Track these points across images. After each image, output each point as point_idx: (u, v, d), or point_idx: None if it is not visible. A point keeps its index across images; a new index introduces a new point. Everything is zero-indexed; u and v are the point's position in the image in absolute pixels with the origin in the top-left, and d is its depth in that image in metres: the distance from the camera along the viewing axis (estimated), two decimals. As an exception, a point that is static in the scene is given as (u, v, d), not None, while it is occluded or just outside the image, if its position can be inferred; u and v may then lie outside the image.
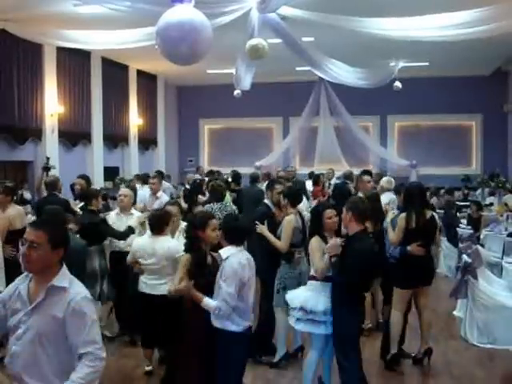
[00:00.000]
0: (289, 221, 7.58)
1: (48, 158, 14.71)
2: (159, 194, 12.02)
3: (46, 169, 13.99)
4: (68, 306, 3.61)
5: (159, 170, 16.39)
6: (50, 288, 3.65)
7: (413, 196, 7.57)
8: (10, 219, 8.55)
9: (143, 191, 12.61)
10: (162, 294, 6.61)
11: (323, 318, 6.05)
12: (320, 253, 6.20)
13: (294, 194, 8.02)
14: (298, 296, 6.35)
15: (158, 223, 7.18)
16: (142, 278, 7.27)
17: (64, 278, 3.72)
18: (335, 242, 5.98)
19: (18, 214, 8.73)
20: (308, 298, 6.20)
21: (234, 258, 5.48)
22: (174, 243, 7.14)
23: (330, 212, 6.40)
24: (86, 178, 12.04)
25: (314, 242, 6.39)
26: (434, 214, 7.80)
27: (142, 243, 7.34)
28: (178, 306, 6.17)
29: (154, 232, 7.17)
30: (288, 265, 7.52)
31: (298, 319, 6.24)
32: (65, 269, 3.78)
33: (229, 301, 5.38)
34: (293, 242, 7.52)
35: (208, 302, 5.53)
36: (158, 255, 7.06)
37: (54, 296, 3.66)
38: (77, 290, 3.71)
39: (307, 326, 6.20)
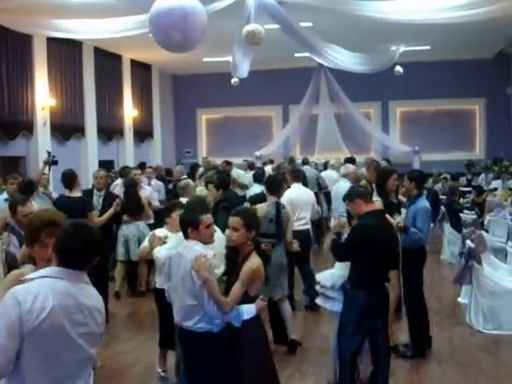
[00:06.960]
0: (257, 208, 7.64)
1: (49, 152, 14.24)
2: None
3: (54, 162, 13.44)
4: None
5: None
6: None
7: None
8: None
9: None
10: None
11: (331, 294, 6.36)
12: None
13: (270, 183, 8.64)
14: (323, 273, 6.72)
15: None
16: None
17: None
18: (339, 221, 6.45)
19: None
20: (324, 273, 6.63)
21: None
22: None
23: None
24: None
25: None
26: None
27: None
28: None
29: None
30: None
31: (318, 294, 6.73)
32: None
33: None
34: (262, 231, 7.27)
35: None
36: None
37: None
38: None
39: (321, 301, 6.61)
